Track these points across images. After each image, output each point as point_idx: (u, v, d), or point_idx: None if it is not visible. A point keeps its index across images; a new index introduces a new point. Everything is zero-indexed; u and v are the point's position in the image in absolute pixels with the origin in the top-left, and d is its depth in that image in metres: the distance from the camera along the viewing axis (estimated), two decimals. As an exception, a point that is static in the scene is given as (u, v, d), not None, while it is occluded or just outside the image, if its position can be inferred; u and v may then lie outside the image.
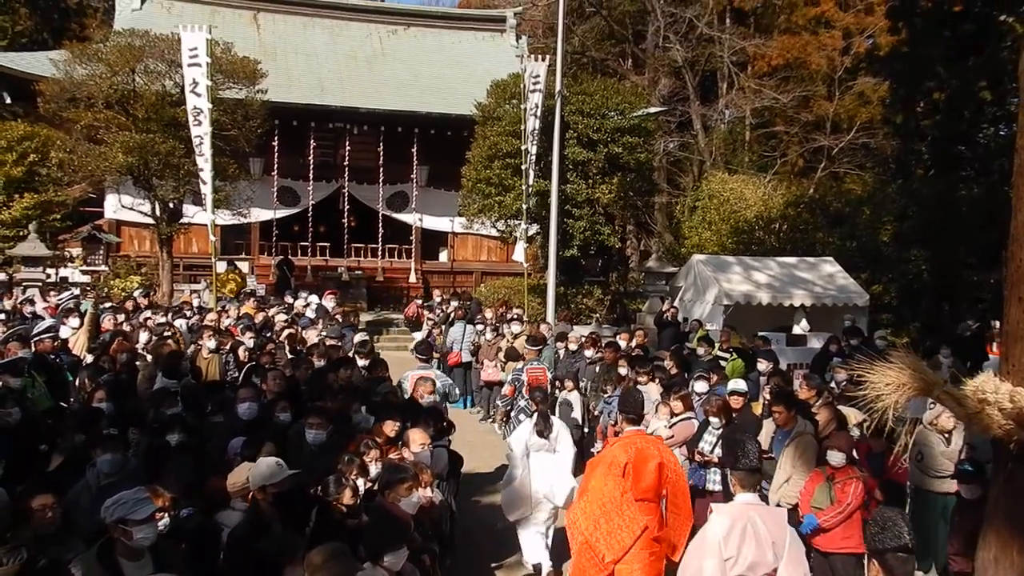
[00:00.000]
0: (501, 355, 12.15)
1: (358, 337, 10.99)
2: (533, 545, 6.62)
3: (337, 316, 14.16)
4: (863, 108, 28.83)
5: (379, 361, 9.08)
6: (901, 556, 3.31)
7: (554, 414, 7.16)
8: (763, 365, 9.36)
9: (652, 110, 22.27)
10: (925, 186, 20.32)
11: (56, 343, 9.24)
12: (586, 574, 5.27)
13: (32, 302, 13.31)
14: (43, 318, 11.16)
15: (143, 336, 10.53)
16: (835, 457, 5.85)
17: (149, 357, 9.30)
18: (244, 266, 22.06)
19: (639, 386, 8.77)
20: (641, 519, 5.11)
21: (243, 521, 4.40)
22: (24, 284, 16.26)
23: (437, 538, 5.09)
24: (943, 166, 20.72)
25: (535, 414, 6.89)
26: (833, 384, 8.79)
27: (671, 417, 7.48)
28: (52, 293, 15.00)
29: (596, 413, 9.46)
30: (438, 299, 17.35)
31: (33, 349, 8.54)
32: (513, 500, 6.63)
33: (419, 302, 16.84)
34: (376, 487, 4.96)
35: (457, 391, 10.51)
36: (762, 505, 4.64)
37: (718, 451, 6.71)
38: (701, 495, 6.61)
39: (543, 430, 6.66)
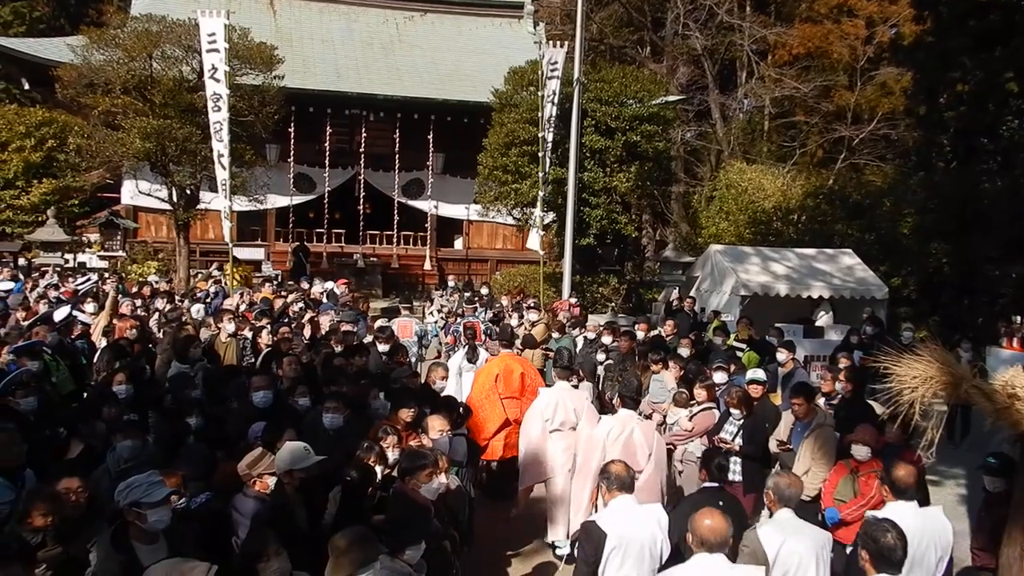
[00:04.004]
0: (518, 342, 12.10)
1: (379, 323, 11.03)
2: None
3: (347, 302, 14.11)
4: (885, 99, 28.46)
5: (399, 347, 9.09)
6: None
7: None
8: (782, 355, 9.26)
9: (671, 98, 22.10)
10: (947, 179, 20.05)
11: (77, 327, 9.29)
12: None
13: (56, 286, 13.37)
14: (66, 302, 11.21)
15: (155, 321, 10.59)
16: (860, 451, 5.77)
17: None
18: (259, 252, 22.14)
19: (655, 375, 8.75)
20: (505, 411, 7.59)
21: (268, 505, 4.39)
22: (43, 269, 16.37)
23: (455, 526, 5.07)
24: (966, 158, 20.44)
25: (467, 346, 9.75)
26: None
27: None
28: (71, 279, 15.08)
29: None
30: (451, 285, 17.39)
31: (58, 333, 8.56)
32: None
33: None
34: (395, 473, 4.93)
35: (431, 336, 13.77)
36: (570, 389, 7.28)
37: (739, 441, 6.66)
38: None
39: (471, 358, 9.36)
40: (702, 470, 5.23)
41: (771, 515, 4.52)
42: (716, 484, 5.06)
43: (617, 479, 4.42)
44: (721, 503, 4.70)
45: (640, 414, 8.58)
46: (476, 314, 13.48)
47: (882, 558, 3.70)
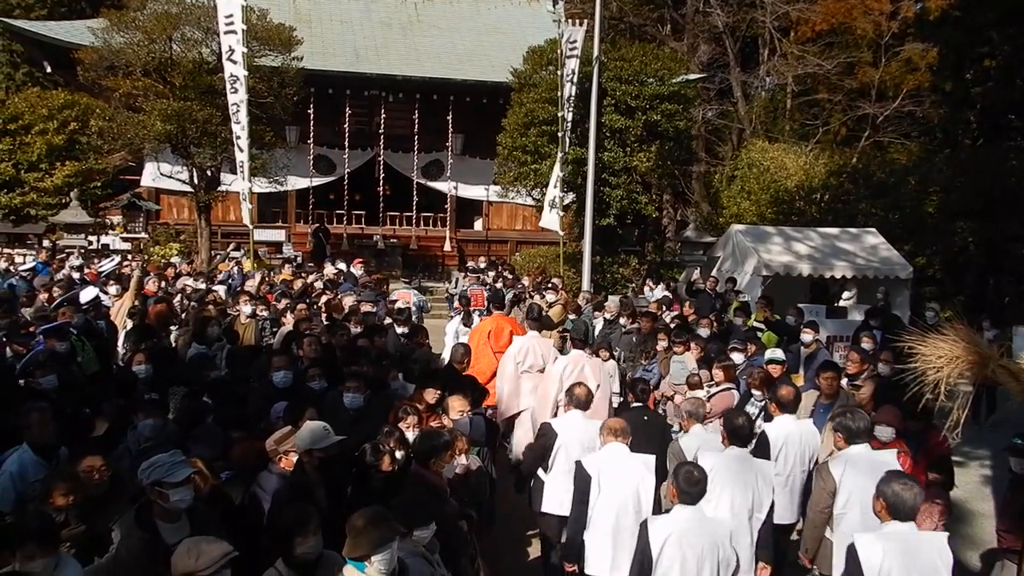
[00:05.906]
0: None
1: (397, 304, 11.05)
2: None
3: (366, 283, 14.13)
4: (910, 75, 27.95)
5: (419, 328, 9.09)
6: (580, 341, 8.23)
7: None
8: (808, 336, 9.15)
9: (691, 77, 21.82)
10: (973, 156, 19.70)
11: (101, 308, 9.40)
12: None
13: (80, 269, 13.51)
14: (90, 284, 11.33)
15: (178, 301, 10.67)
16: (884, 432, 5.69)
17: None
18: (280, 234, 22.24)
19: (676, 357, 8.69)
20: (496, 363, 8.37)
21: (287, 485, 4.41)
22: (67, 251, 16.53)
23: (476, 505, 5.08)
24: (992, 135, 20.09)
25: (463, 312, 11.09)
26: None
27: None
28: (95, 260, 15.22)
29: (626, 376, 9.39)
30: (483, 266, 17.43)
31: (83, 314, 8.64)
32: None
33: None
34: (411, 453, 4.94)
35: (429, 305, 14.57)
36: (540, 337, 8.43)
37: (760, 423, 6.60)
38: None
39: (467, 323, 10.57)
40: (629, 394, 6.87)
41: (685, 432, 5.79)
42: (640, 404, 6.65)
43: (576, 398, 5.81)
44: (646, 417, 6.36)
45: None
46: (487, 285, 14.04)
47: (735, 435, 5.01)
